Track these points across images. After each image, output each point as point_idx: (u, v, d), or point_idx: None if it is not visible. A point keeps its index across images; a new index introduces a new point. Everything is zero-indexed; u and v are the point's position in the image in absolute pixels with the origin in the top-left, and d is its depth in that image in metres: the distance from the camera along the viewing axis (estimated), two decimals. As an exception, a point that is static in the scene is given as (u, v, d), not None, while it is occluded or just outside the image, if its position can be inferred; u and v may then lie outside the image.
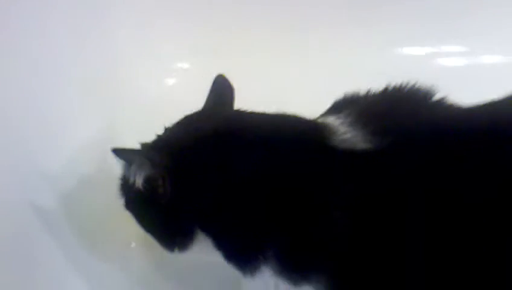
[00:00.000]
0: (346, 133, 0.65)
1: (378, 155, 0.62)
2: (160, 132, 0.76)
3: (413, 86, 0.71)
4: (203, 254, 0.70)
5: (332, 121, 0.69)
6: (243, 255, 0.67)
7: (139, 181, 0.69)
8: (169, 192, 0.68)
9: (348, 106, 0.71)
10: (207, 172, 0.67)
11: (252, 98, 0.73)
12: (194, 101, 0.73)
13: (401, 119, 0.66)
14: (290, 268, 0.63)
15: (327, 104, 0.77)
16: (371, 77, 0.71)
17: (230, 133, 0.69)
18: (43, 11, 0.94)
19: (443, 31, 1.20)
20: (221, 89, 0.81)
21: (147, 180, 0.69)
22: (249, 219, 0.65)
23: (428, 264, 0.59)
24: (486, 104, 0.66)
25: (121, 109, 1.04)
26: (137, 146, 0.74)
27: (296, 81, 1.17)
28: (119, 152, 0.71)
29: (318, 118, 0.74)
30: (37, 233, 0.81)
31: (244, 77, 0.82)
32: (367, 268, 0.61)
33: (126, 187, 0.74)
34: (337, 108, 0.74)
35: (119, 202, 0.76)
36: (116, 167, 0.75)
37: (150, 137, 0.74)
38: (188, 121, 0.75)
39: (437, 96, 0.70)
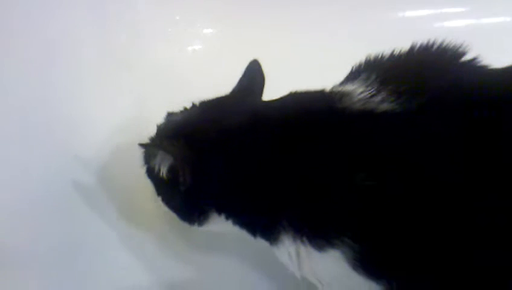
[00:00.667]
0: (363, 94, 0.64)
1: (403, 116, 0.61)
2: (186, 105, 0.77)
3: (441, 45, 0.68)
4: (223, 229, 0.73)
5: (351, 86, 0.68)
6: (260, 228, 0.69)
7: (163, 171, 0.73)
8: (189, 181, 0.71)
9: (368, 68, 0.70)
10: (225, 164, 0.69)
11: (274, 68, 0.75)
12: (220, 67, 0.73)
13: (428, 81, 0.64)
14: (311, 233, 0.63)
15: (339, 70, 0.76)
16: (373, 42, 0.70)
17: (253, 130, 0.69)
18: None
19: None
20: (252, 76, 0.81)
21: (170, 171, 0.72)
22: (265, 193, 0.67)
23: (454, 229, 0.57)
24: None
25: (146, 79, 1.05)
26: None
27: (308, 51, 1.16)
28: (144, 146, 0.74)
29: (337, 85, 0.72)
30: (77, 210, 0.83)
31: (266, 47, 0.82)
32: (391, 230, 0.59)
33: (151, 172, 0.78)
34: (357, 71, 0.72)
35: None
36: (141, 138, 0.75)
37: (177, 107, 0.76)
38: (212, 108, 0.77)
39: (467, 57, 0.67)
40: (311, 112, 0.68)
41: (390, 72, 0.67)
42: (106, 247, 0.85)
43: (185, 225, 0.77)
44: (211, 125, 0.72)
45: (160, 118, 0.78)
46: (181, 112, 0.79)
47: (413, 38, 0.70)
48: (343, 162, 0.61)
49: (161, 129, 0.79)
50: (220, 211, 0.72)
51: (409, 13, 1.22)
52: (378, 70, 0.67)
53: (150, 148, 0.75)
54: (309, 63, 1.10)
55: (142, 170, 0.80)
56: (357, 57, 0.72)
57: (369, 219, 0.60)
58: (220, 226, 0.73)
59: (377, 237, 0.60)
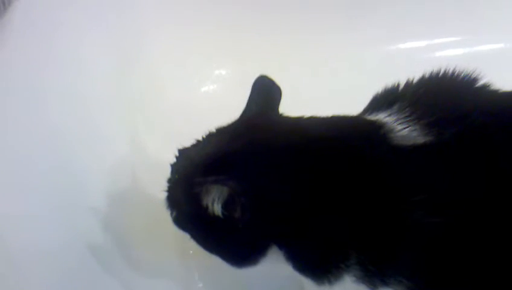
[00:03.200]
0: (404, 129, 0.63)
1: (442, 147, 0.60)
2: (218, 141, 0.70)
3: (455, 72, 0.69)
4: (273, 267, 0.68)
5: (385, 117, 0.66)
6: (322, 266, 0.64)
7: (217, 208, 0.64)
8: (247, 215, 0.64)
9: (394, 99, 0.68)
10: (282, 190, 0.63)
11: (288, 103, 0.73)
12: (231, 107, 0.74)
13: (455, 109, 0.64)
14: (372, 273, 0.61)
15: (334, 103, 0.76)
16: (372, 75, 0.72)
17: (298, 146, 0.65)
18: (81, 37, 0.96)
19: (436, 23, 1.23)
20: (266, 91, 0.76)
21: (226, 207, 0.64)
22: (330, 229, 0.63)
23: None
24: None
25: (160, 119, 1.06)
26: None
27: (310, 82, 1.19)
28: (200, 182, 0.64)
29: (364, 114, 0.72)
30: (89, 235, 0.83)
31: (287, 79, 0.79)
32: (446, 268, 0.59)
33: (192, 216, 0.69)
34: (379, 102, 0.71)
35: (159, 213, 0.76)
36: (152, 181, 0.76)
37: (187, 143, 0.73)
38: (246, 131, 0.70)
39: (481, 82, 0.68)
40: (366, 142, 0.65)
41: (417, 102, 0.66)
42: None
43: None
44: (254, 152, 0.66)
45: (171, 157, 0.77)
46: (196, 145, 0.73)
47: (411, 70, 0.72)
48: (401, 201, 0.60)
49: (183, 168, 0.71)
50: (280, 245, 0.65)
51: (403, 46, 1.25)
52: (405, 102, 0.67)
53: (204, 184, 0.64)
54: (318, 96, 1.12)
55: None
56: (359, 88, 0.74)
57: (424, 257, 0.59)
58: (275, 263, 0.67)
59: (434, 274, 0.60)
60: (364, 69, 1.19)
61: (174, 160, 0.74)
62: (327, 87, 1.15)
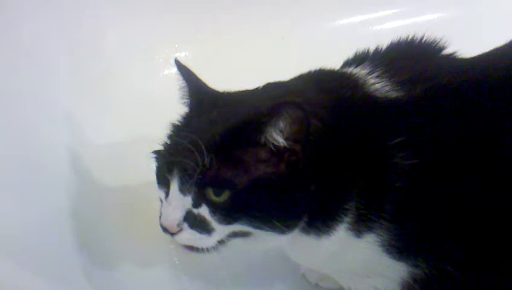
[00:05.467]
0: (377, 84, 0.67)
1: (413, 102, 0.64)
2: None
3: (423, 39, 0.73)
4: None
5: (359, 71, 0.70)
6: (325, 218, 0.65)
7: (281, 139, 0.61)
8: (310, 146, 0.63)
9: (364, 60, 0.72)
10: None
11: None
12: None
13: (424, 70, 0.68)
14: (362, 219, 0.64)
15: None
16: (316, 50, 0.74)
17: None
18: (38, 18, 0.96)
19: None
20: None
21: (291, 136, 0.62)
22: (340, 174, 0.64)
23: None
24: (489, 53, 0.70)
25: (123, 105, 1.07)
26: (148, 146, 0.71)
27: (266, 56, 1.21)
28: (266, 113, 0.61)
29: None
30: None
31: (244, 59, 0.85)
32: (429, 207, 0.62)
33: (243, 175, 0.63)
34: (350, 63, 0.75)
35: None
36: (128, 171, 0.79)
37: (154, 130, 0.70)
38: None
39: (447, 50, 0.73)
40: (349, 94, 0.67)
41: (389, 63, 0.70)
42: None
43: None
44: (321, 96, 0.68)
45: (137, 141, 0.77)
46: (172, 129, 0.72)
47: (353, 44, 0.76)
48: (384, 147, 0.63)
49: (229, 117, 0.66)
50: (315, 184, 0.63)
51: (343, 21, 1.28)
52: (377, 61, 0.71)
53: (277, 111, 0.60)
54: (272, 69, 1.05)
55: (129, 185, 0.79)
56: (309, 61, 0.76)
57: (408, 197, 0.62)
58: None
59: (414, 215, 0.63)
60: (314, 42, 1.23)
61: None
62: (282, 60, 1.18)
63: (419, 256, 0.64)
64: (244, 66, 0.77)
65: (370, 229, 0.64)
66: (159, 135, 0.73)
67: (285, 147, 0.62)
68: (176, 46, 1.23)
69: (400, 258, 0.65)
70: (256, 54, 1.20)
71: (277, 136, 0.61)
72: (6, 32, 0.88)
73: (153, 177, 0.69)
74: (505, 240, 0.63)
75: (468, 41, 0.69)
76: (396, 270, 0.66)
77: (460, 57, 0.73)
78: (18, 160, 0.81)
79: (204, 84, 0.74)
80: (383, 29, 1.27)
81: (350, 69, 0.72)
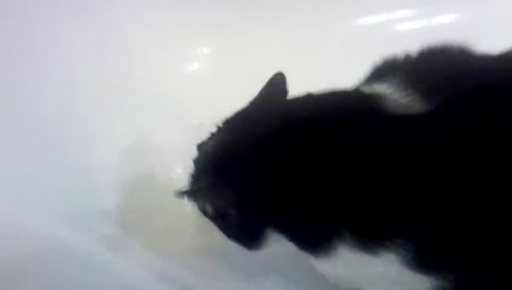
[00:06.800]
0: (399, 97, 0.65)
1: (435, 114, 0.61)
2: (205, 133, 0.77)
3: (447, 45, 0.72)
4: (279, 248, 0.71)
5: (382, 88, 0.68)
6: (316, 240, 0.66)
7: (209, 210, 0.73)
8: (236, 212, 0.69)
9: (392, 70, 0.71)
10: (265, 181, 0.67)
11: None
12: (217, 86, 0.73)
13: (448, 78, 0.66)
14: (367, 239, 0.62)
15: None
16: (334, 50, 0.73)
17: (286, 128, 0.68)
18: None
19: None
20: (274, 88, 0.80)
21: (215, 209, 0.72)
22: (318, 204, 0.64)
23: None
24: None
25: (145, 102, 1.07)
26: (171, 144, 0.79)
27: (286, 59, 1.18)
28: (186, 194, 0.72)
29: (361, 85, 0.73)
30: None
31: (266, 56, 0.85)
32: (441, 225, 0.60)
33: (204, 212, 0.76)
34: (379, 74, 0.73)
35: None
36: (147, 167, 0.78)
37: (176, 129, 0.78)
38: (238, 124, 0.75)
39: (472, 51, 0.71)
40: (356, 113, 0.66)
41: (413, 73, 0.68)
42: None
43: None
44: (244, 142, 0.70)
45: (160, 140, 0.79)
46: (209, 139, 0.78)
47: (373, 44, 0.76)
48: (398, 165, 0.61)
49: (198, 164, 0.76)
50: (275, 228, 0.69)
51: (362, 22, 1.28)
52: (401, 73, 0.69)
53: (191, 193, 0.73)
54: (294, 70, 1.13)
55: (142, 190, 0.80)
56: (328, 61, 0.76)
57: (427, 214, 0.60)
58: (276, 245, 0.71)
59: (433, 232, 0.60)
60: (325, 46, 1.22)
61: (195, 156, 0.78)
62: (302, 59, 1.19)
63: (451, 273, 0.62)
64: (264, 64, 0.77)
65: (384, 247, 0.62)
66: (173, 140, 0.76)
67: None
68: (197, 42, 1.23)
69: (426, 274, 0.63)
70: (276, 52, 1.21)
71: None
72: (31, 33, 0.90)
73: (168, 184, 0.74)
74: None
75: (487, 43, 0.69)
76: (424, 285, 0.65)
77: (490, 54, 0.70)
78: (40, 154, 0.82)
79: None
80: (399, 31, 1.26)
81: (368, 87, 0.71)
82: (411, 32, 1.24)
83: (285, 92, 0.79)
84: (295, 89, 0.77)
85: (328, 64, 0.78)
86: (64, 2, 0.97)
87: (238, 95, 0.78)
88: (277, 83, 0.80)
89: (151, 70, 1.13)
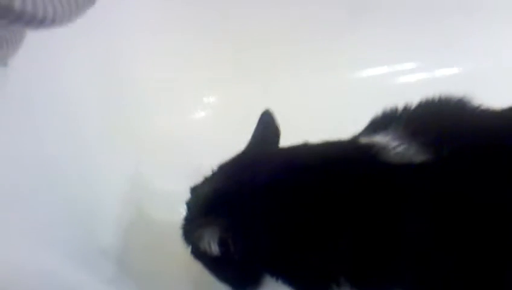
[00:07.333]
0: (398, 148, 0.65)
1: (440, 165, 0.62)
2: (206, 174, 0.78)
3: (449, 97, 0.73)
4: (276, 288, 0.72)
5: (381, 138, 0.68)
6: (314, 287, 0.68)
7: (214, 247, 0.71)
8: (240, 248, 0.69)
9: (391, 122, 0.72)
10: (267, 222, 0.67)
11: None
12: (222, 133, 0.75)
13: (450, 129, 0.67)
14: (366, 288, 0.64)
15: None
16: (334, 100, 0.74)
17: (282, 177, 0.69)
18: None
19: (395, 50, 1.27)
20: (265, 127, 0.82)
21: (220, 244, 0.70)
22: (317, 253, 0.65)
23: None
24: None
25: (150, 147, 1.07)
26: (175, 188, 0.78)
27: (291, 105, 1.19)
28: (186, 231, 0.75)
29: (359, 136, 0.75)
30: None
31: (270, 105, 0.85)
32: (443, 274, 0.60)
33: (199, 253, 0.75)
34: (378, 125, 0.74)
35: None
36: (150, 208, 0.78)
37: (182, 173, 0.79)
38: (237, 168, 0.76)
39: (473, 104, 0.72)
40: (353, 164, 0.67)
41: (414, 124, 0.69)
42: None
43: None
44: (242, 186, 0.71)
45: (163, 182, 0.79)
46: (204, 182, 0.78)
47: (374, 96, 0.77)
48: (397, 216, 0.62)
49: (193, 207, 0.78)
50: (272, 273, 0.70)
51: (364, 73, 1.29)
52: (402, 124, 0.70)
53: (194, 231, 0.73)
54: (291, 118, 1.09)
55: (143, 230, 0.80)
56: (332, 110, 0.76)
57: (420, 265, 0.60)
58: (271, 288, 0.72)
59: (431, 284, 0.61)
60: (326, 97, 1.23)
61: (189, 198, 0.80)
62: (304, 107, 1.20)
63: None
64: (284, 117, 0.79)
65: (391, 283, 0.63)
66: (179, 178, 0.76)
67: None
68: (204, 91, 1.25)
69: None
70: (279, 100, 1.17)
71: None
72: (47, 69, 0.89)
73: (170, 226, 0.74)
74: None
75: (491, 95, 0.69)
76: None
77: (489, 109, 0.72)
78: (44, 192, 0.80)
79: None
80: (400, 83, 1.27)
81: (365, 138, 0.72)
82: (413, 84, 1.26)
83: (276, 129, 0.81)
84: (295, 137, 0.77)
85: (328, 115, 0.78)
86: (81, 43, 0.98)
87: (241, 140, 0.81)
88: (267, 121, 0.82)
89: (157, 117, 1.15)
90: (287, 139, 0.78)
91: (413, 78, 1.28)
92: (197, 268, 0.79)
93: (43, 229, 0.77)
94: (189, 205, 0.78)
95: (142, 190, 0.92)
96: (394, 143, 0.66)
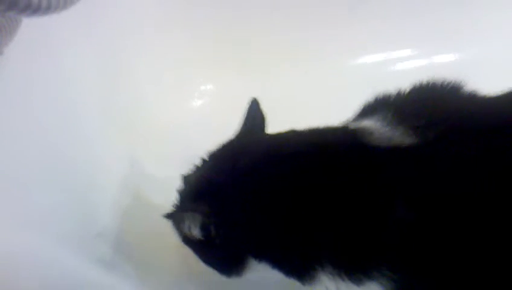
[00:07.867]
0: (386, 132, 0.66)
1: (426, 148, 0.62)
2: (195, 162, 0.79)
3: (441, 81, 0.72)
4: (261, 275, 0.73)
5: (369, 123, 0.69)
6: (298, 269, 0.68)
7: (195, 232, 0.73)
8: (221, 232, 0.71)
9: (382, 107, 0.72)
10: (250, 207, 0.68)
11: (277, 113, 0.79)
12: (221, 121, 0.76)
13: (439, 113, 0.66)
14: (350, 269, 0.62)
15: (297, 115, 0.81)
16: (332, 88, 0.74)
17: (263, 163, 0.70)
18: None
19: (391, 37, 1.28)
20: (253, 116, 0.83)
21: (201, 229, 0.72)
22: (300, 235, 0.65)
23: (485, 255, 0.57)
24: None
25: (148, 137, 1.08)
26: (172, 176, 0.79)
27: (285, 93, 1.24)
28: (171, 216, 0.76)
29: (351, 122, 0.75)
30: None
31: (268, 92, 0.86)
32: (429, 258, 0.59)
33: (186, 238, 0.77)
34: (369, 110, 0.74)
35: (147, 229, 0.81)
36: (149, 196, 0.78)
37: (179, 162, 0.79)
38: (221, 156, 0.78)
39: (465, 89, 0.71)
40: (339, 148, 0.68)
41: (404, 109, 0.69)
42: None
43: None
44: (225, 173, 0.72)
45: (161, 172, 0.81)
46: (194, 170, 0.80)
47: (371, 83, 0.77)
48: (381, 198, 0.61)
49: (182, 194, 0.80)
50: (256, 256, 0.71)
51: (361, 60, 1.30)
52: (392, 108, 0.70)
53: (177, 216, 0.76)
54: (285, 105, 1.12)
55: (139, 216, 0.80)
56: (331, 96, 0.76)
57: (412, 249, 0.60)
58: (258, 272, 0.73)
59: (418, 265, 0.60)
60: (323, 85, 1.24)
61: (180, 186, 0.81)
62: (305, 94, 1.22)
63: None
64: (267, 99, 0.79)
65: (371, 278, 0.62)
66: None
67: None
68: (201, 79, 1.26)
69: None
70: (277, 88, 1.23)
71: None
72: (48, 60, 0.90)
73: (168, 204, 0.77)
74: None
75: (486, 82, 0.69)
76: None
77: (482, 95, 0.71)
78: (43, 180, 0.81)
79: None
80: (398, 70, 1.28)
81: (355, 123, 0.72)
82: (410, 71, 1.26)
83: (262, 117, 0.83)
84: (292, 124, 0.77)
85: (326, 102, 0.78)
86: (81, 34, 0.98)
87: (238, 128, 0.82)
88: (254, 109, 0.83)
89: (155, 105, 1.16)
90: (284, 127, 0.78)
91: (410, 65, 1.28)
92: (190, 254, 0.81)
93: (41, 216, 0.78)
94: (180, 192, 0.80)
95: (140, 178, 0.93)
96: (382, 127, 0.67)
